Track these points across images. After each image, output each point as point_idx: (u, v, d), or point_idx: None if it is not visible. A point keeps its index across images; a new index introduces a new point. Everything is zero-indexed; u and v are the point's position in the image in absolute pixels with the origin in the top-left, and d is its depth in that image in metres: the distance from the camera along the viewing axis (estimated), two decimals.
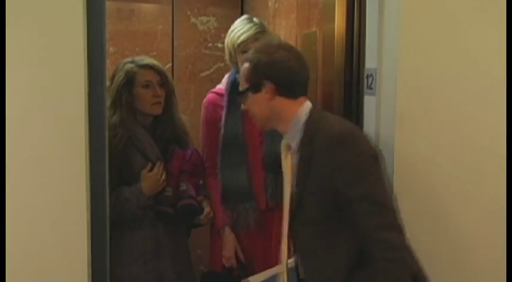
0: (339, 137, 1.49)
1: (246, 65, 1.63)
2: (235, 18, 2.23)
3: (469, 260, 1.89)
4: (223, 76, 2.29)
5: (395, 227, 1.46)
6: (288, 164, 1.64)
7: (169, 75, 2.20)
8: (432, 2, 1.79)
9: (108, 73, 1.71)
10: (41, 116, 1.52)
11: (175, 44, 3.57)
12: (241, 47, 2.10)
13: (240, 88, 1.66)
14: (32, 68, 1.51)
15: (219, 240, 2.21)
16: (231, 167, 2.15)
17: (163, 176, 2.06)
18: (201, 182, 2.23)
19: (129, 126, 2.05)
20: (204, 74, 3.65)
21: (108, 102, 2.04)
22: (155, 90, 2.08)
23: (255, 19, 2.17)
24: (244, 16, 2.23)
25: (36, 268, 1.56)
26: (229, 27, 2.19)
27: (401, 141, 1.76)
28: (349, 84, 2.07)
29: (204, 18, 3.60)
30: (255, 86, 1.60)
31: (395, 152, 1.75)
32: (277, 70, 1.58)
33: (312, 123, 1.56)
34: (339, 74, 2.11)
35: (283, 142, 1.65)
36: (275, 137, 2.14)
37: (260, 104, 1.61)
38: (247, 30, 2.11)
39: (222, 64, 3.61)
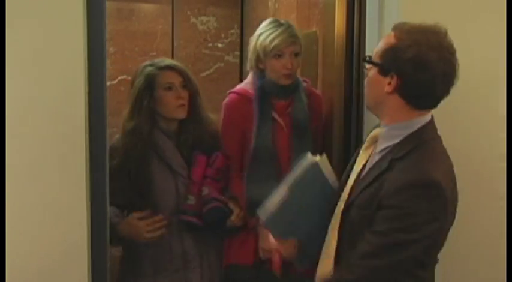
0: (414, 184, 1.28)
1: (392, 39, 1.36)
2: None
3: (468, 260, 1.89)
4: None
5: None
6: (365, 157, 1.47)
7: (192, 75, 2.06)
8: (432, 2, 1.79)
9: (108, 73, 1.70)
10: (41, 116, 1.52)
11: (175, 44, 3.57)
12: (275, 51, 2.00)
13: (374, 52, 1.41)
14: (32, 68, 1.51)
15: (248, 233, 2.06)
16: (259, 180, 2.03)
17: (149, 234, 1.90)
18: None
19: (145, 133, 1.94)
20: (204, 74, 3.66)
21: (126, 109, 1.97)
22: (178, 93, 1.97)
23: (282, 21, 2.07)
24: (271, 19, 2.10)
25: (36, 268, 1.56)
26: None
27: None
28: (349, 84, 2.07)
29: (204, 18, 3.60)
30: (383, 68, 1.36)
31: None
32: (415, 72, 1.31)
33: (414, 143, 1.35)
34: (339, 74, 2.10)
35: (375, 131, 1.46)
36: (304, 153, 2.10)
37: (376, 87, 1.39)
38: (281, 34, 2.00)
39: (222, 64, 3.62)
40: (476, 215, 1.88)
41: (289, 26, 2.04)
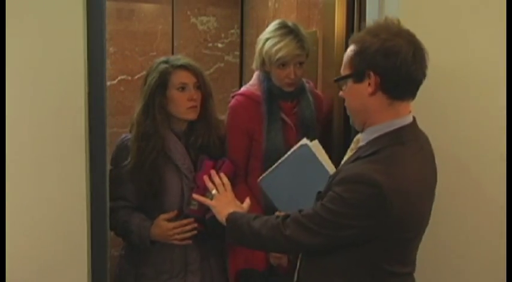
0: (355, 179, 1.31)
1: (352, 47, 1.39)
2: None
3: (468, 259, 1.89)
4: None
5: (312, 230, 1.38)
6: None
7: (206, 76, 2.01)
8: (432, 3, 1.79)
9: (108, 73, 1.69)
10: (41, 116, 1.53)
11: (175, 44, 3.57)
12: (280, 61, 1.97)
13: (341, 71, 1.44)
14: (32, 68, 1.51)
15: None
16: None
17: (176, 236, 1.90)
18: None
19: (163, 135, 1.91)
20: None
21: (139, 105, 1.93)
22: (191, 94, 1.92)
23: (291, 25, 2.01)
24: (280, 23, 2.03)
25: (36, 268, 1.56)
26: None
27: None
28: None
29: (204, 18, 3.60)
30: (357, 75, 1.37)
31: None
32: (387, 61, 1.32)
33: (382, 144, 1.36)
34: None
35: (357, 136, 1.49)
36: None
37: (357, 96, 1.39)
38: (287, 45, 1.96)
39: (222, 64, 3.61)
40: (476, 214, 1.88)
41: (296, 35, 1.98)
